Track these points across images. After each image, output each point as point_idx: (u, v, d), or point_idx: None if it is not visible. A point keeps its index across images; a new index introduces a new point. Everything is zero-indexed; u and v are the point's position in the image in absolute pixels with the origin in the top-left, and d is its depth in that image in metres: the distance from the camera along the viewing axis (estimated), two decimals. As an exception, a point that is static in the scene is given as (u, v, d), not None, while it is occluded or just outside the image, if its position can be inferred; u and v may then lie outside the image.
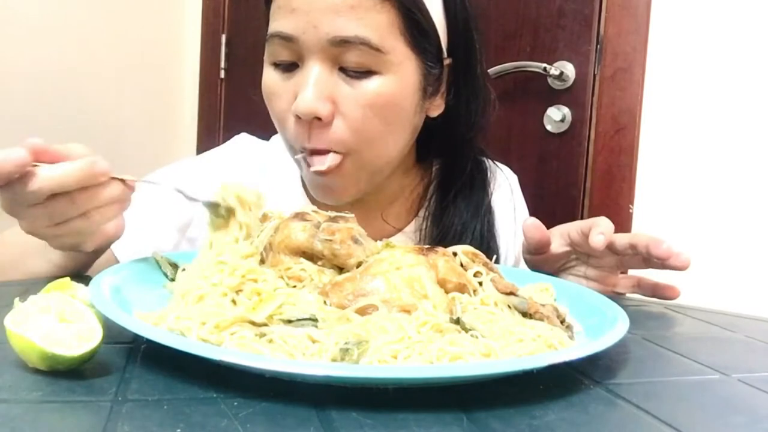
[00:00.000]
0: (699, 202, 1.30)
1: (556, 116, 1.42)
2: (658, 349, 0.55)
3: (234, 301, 0.49)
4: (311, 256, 0.54)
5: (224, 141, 0.94)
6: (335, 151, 0.72)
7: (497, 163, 0.95)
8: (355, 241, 0.54)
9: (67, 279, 0.49)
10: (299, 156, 0.73)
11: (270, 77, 0.74)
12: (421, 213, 0.86)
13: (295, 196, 0.86)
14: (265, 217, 0.60)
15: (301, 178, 0.85)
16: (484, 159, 0.90)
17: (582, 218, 1.39)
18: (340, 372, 0.39)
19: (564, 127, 1.43)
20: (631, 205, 1.35)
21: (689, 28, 1.31)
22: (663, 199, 1.34)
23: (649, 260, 0.74)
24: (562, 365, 0.43)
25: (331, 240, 0.53)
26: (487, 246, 0.83)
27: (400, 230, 0.86)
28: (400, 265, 0.50)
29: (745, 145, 1.27)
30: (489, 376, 0.41)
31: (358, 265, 0.53)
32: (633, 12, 1.35)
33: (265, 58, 0.75)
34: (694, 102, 1.31)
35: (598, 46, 1.38)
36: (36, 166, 0.53)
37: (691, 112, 1.31)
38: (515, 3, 1.46)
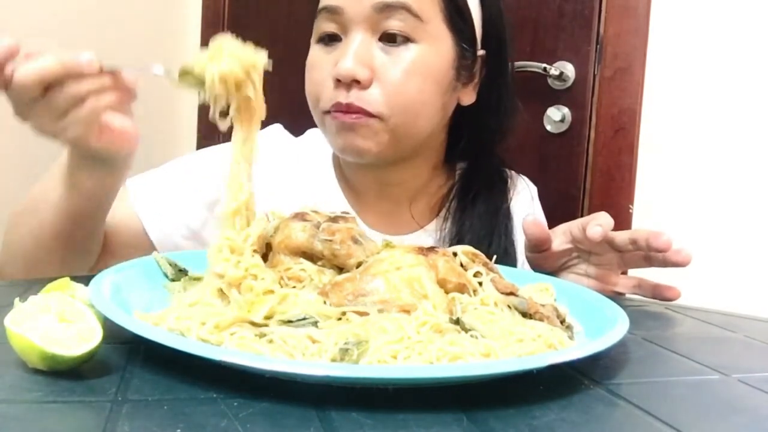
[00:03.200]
0: (699, 202, 1.30)
1: (556, 116, 1.42)
2: (658, 349, 0.55)
3: (221, 290, 0.49)
4: (311, 257, 0.54)
5: (224, 141, 0.94)
6: (366, 113, 0.74)
7: (520, 174, 0.97)
8: (355, 241, 0.54)
9: (67, 279, 0.49)
10: (328, 108, 0.76)
11: (313, 53, 0.80)
12: (442, 213, 0.88)
13: (329, 185, 0.88)
14: (264, 218, 0.60)
15: (334, 168, 0.89)
16: (505, 169, 0.93)
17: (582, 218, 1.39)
18: (340, 372, 0.39)
19: (564, 127, 1.43)
20: (630, 205, 1.35)
21: (689, 28, 1.31)
22: (663, 199, 1.34)
23: (650, 257, 0.74)
24: (562, 365, 0.43)
25: (331, 240, 0.53)
26: (505, 250, 0.83)
27: (422, 227, 0.87)
28: (400, 265, 0.50)
29: (745, 145, 1.27)
30: (489, 376, 0.41)
31: (358, 265, 0.53)
32: (633, 12, 1.35)
33: (312, 38, 0.80)
34: (693, 102, 1.31)
35: (598, 47, 1.38)
36: None
37: (690, 112, 1.31)
38: (515, 3, 1.46)
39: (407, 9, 0.74)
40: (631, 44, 1.35)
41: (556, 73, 1.40)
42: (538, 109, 1.45)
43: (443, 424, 0.36)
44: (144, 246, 0.79)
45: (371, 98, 0.74)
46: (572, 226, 0.77)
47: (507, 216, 0.88)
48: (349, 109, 0.74)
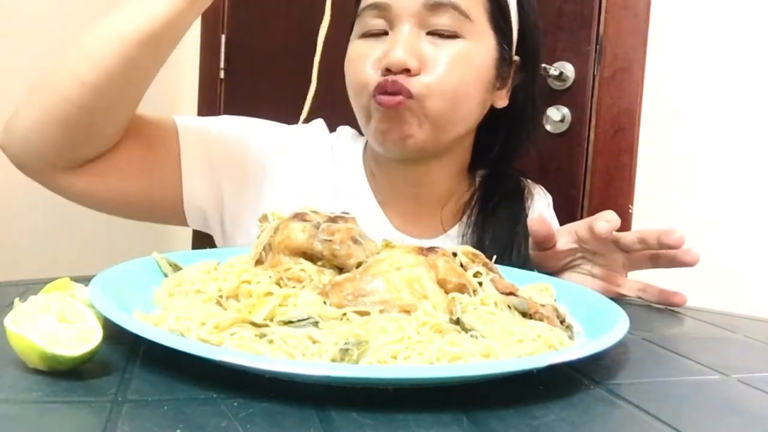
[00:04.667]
0: (699, 202, 1.30)
1: (556, 116, 1.42)
2: (658, 349, 0.55)
3: (219, 303, 0.49)
4: (311, 257, 0.54)
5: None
6: (408, 95, 0.75)
7: (535, 183, 0.98)
8: (355, 241, 0.54)
9: (67, 279, 0.49)
10: (372, 91, 0.76)
11: (357, 45, 0.81)
12: (464, 219, 0.89)
13: (359, 184, 0.89)
14: (264, 218, 0.60)
15: (365, 167, 0.90)
16: (522, 179, 0.95)
17: (582, 218, 1.39)
18: (340, 372, 0.39)
19: (564, 127, 1.43)
20: (630, 206, 1.35)
21: (689, 29, 1.31)
22: (662, 200, 1.34)
23: (656, 257, 0.74)
24: (562, 365, 0.43)
25: (330, 240, 0.53)
26: (525, 259, 0.84)
27: (445, 232, 0.88)
28: (400, 265, 0.50)
29: (745, 145, 1.27)
30: (489, 376, 0.41)
31: (358, 265, 0.53)
32: (633, 12, 1.35)
33: (353, 35, 0.82)
34: (693, 102, 1.31)
35: (598, 47, 1.38)
36: None
37: (690, 112, 1.31)
38: (515, 3, 1.46)
39: (455, 7, 0.76)
40: (631, 44, 1.35)
41: (556, 73, 1.40)
42: (538, 109, 1.45)
43: (443, 424, 0.36)
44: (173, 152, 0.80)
45: (417, 82, 0.75)
46: (578, 226, 0.78)
47: (526, 225, 0.88)
48: (393, 87, 0.75)
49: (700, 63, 1.30)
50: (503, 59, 0.83)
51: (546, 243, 0.77)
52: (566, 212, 1.40)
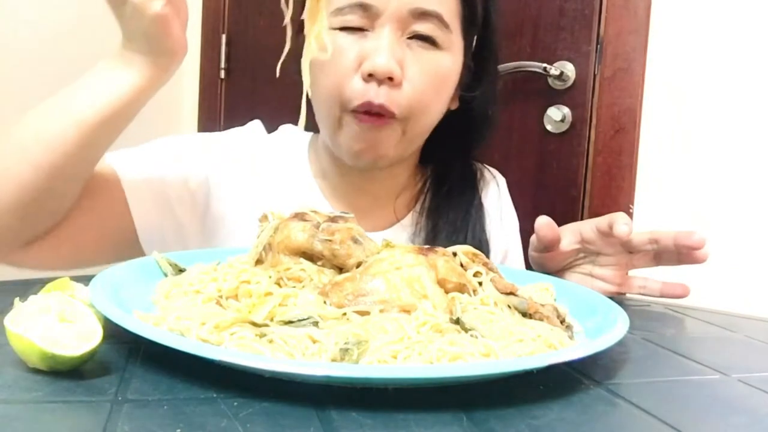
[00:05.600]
0: (699, 202, 1.30)
1: (556, 116, 1.42)
2: (658, 349, 0.55)
3: (219, 304, 0.49)
4: (311, 257, 0.54)
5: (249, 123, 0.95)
6: (389, 115, 0.74)
7: (486, 165, 0.97)
8: (355, 241, 0.54)
9: (67, 279, 0.49)
10: (356, 107, 0.73)
11: (336, 38, 0.75)
12: (417, 207, 0.89)
13: (305, 181, 0.87)
14: (264, 218, 0.60)
15: (311, 163, 0.88)
16: (474, 162, 0.94)
17: (582, 218, 1.39)
18: (340, 372, 0.39)
19: (564, 127, 1.43)
20: (631, 205, 1.35)
21: (689, 28, 1.31)
22: (663, 200, 1.33)
23: (659, 257, 0.74)
24: (562, 365, 0.43)
25: (330, 240, 0.53)
26: (479, 242, 0.85)
27: (398, 221, 0.88)
28: (400, 265, 0.50)
29: (745, 145, 1.27)
30: (489, 376, 0.41)
31: (358, 265, 0.53)
32: (633, 12, 1.35)
33: (330, 24, 0.76)
34: (693, 102, 1.31)
35: (598, 46, 1.38)
36: None
37: (690, 112, 1.31)
38: (515, 3, 1.46)
39: (439, 18, 0.75)
40: (631, 44, 1.35)
41: (556, 73, 1.40)
42: (538, 109, 1.45)
43: (443, 424, 0.36)
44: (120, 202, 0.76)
45: (401, 99, 0.74)
46: (582, 227, 0.78)
47: (480, 207, 0.90)
48: (380, 111, 0.73)
49: (700, 62, 1.30)
50: (468, 67, 0.82)
51: (551, 246, 0.77)
52: (566, 212, 1.40)
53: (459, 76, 0.81)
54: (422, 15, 0.74)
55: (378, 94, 0.72)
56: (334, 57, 0.74)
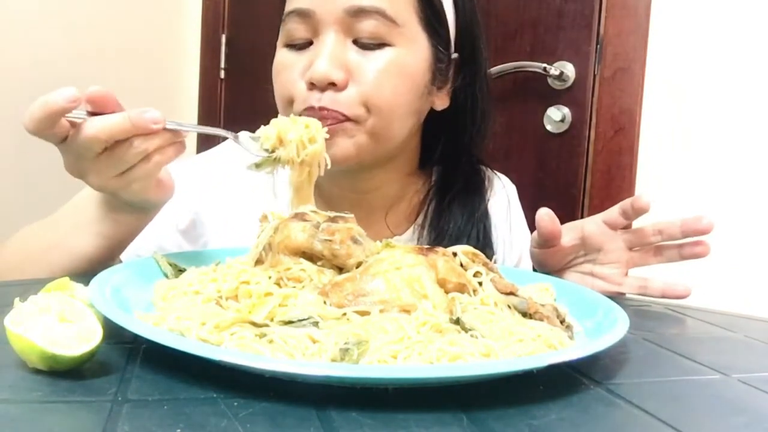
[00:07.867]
0: (699, 202, 1.30)
1: (556, 116, 1.42)
2: (658, 349, 0.55)
3: (219, 304, 0.49)
4: (311, 257, 0.54)
5: (224, 141, 0.94)
6: (342, 117, 0.73)
7: (496, 172, 0.96)
8: (355, 241, 0.54)
9: (67, 279, 0.49)
10: (300, 113, 0.73)
11: (282, 55, 0.77)
12: (419, 219, 0.87)
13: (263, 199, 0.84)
14: (264, 218, 0.60)
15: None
16: (483, 167, 0.92)
17: (582, 218, 1.39)
18: (340, 372, 0.39)
19: (564, 127, 1.43)
20: (631, 205, 1.35)
21: (689, 28, 1.31)
22: (663, 200, 1.33)
23: (661, 252, 0.74)
24: (562, 365, 0.43)
25: (330, 240, 0.53)
26: (481, 251, 0.83)
27: (393, 236, 0.86)
28: (400, 265, 0.50)
29: (745, 146, 1.27)
30: (489, 376, 0.41)
31: (358, 265, 0.53)
32: (633, 12, 1.35)
33: (279, 41, 0.78)
34: (693, 102, 1.31)
35: (598, 46, 1.38)
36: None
37: (690, 112, 1.31)
38: (515, 3, 1.46)
39: (381, 13, 0.72)
40: (631, 44, 1.35)
41: (556, 73, 1.40)
42: (538, 109, 1.45)
43: (443, 424, 0.36)
44: None
45: (347, 100, 0.72)
46: (584, 223, 0.77)
47: (485, 216, 0.87)
48: (323, 114, 0.72)
49: (700, 62, 1.30)
50: (439, 60, 0.79)
51: (551, 240, 0.77)
52: (566, 212, 1.40)
53: (430, 71, 0.78)
54: (360, 13, 0.72)
55: (320, 99, 0.72)
56: (285, 72, 0.76)
